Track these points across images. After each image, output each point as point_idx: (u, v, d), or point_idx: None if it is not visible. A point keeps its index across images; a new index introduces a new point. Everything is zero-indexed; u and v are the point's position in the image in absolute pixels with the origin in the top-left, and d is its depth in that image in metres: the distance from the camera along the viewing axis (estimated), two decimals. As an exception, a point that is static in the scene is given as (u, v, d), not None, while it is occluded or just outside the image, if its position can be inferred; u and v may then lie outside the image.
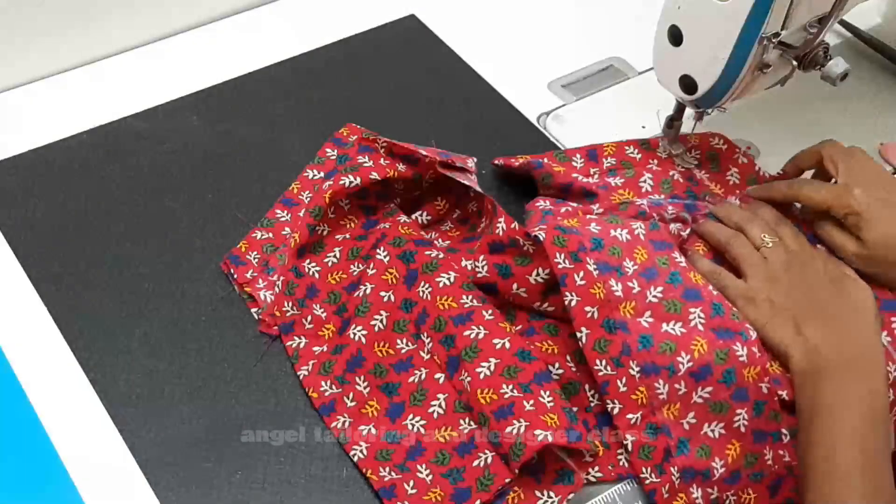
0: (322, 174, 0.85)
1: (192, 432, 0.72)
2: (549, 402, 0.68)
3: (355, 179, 0.78)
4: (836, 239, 0.78)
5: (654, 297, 0.72)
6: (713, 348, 0.71)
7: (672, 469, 0.69)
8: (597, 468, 0.70)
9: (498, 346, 0.70)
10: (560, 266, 0.72)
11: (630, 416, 0.69)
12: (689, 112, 0.86)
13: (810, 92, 0.89)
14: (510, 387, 0.68)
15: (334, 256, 0.79)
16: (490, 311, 0.72)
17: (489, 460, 0.68)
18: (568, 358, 0.73)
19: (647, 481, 0.69)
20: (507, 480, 0.67)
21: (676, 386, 0.70)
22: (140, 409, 0.72)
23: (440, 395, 0.71)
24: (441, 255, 0.76)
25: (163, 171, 0.88)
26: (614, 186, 0.84)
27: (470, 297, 0.73)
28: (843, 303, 0.74)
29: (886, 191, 0.76)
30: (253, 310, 0.77)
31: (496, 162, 0.88)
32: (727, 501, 0.70)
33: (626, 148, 0.87)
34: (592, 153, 0.87)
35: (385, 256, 0.77)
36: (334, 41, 1.01)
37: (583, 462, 0.69)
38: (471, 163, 0.82)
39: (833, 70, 0.79)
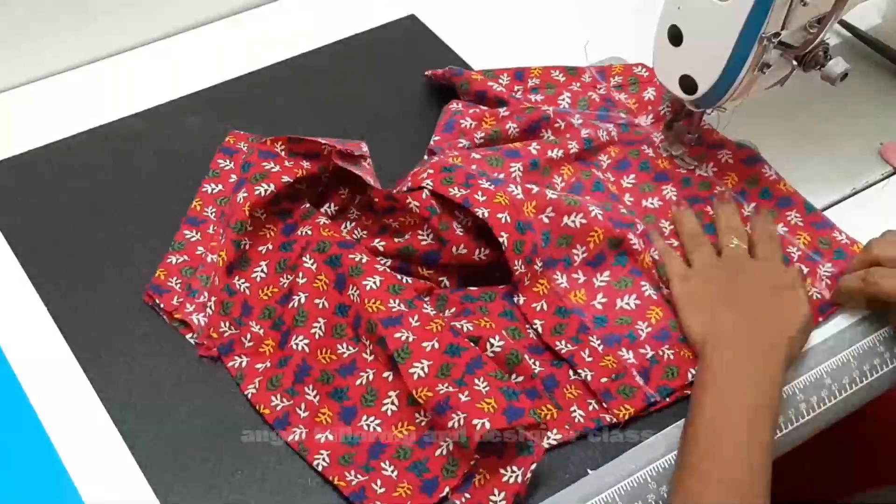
0: (220, 187, 0.84)
1: (192, 432, 0.72)
2: (484, 388, 0.68)
3: (269, 186, 0.78)
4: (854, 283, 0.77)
5: (603, 281, 0.77)
6: (668, 316, 0.76)
7: (591, 338, 0.74)
8: (555, 431, 0.71)
9: (428, 349, 0.70)
10: (458, 195, 0.76)
11: (535, 304, 0.76)
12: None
13: (810, 92, 0.89)
14: (445, 384, 0.69)
15: (262, 271, 0.78)
16: (416, 317, 0.72)
17: (451, 447, 0.69)
18: (505, 332, 0.74)
19: (564, 350, 0.74)
20: (472, 463, 0.68)
21: (642, 351, 0.74)
22: (140, 409, 0.72)
23: (391, 393, 0.72)
24: (365, 259, 0.75)
25: (162, 171, 0.88)
26: (534, 102, 0.91)
27: (397, 300, 0.73)
28: (772, 307, 0.74)
29: None
30: (188, 336, 0.76)
31: (427, 73, 0.94)
32: (665, 356, 0.74)
33: (553, 71, 0.94)
34: (519, 74, 0.94)
35: (312, 264, 0.76)
36: (334, 41, 1.01)
37: (540, 431, 0.70)
38: (364, 147, 0.82)
39: (833, 70, 0.79)
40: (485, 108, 0.89)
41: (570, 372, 0.74)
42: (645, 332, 0.75)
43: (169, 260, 0.80)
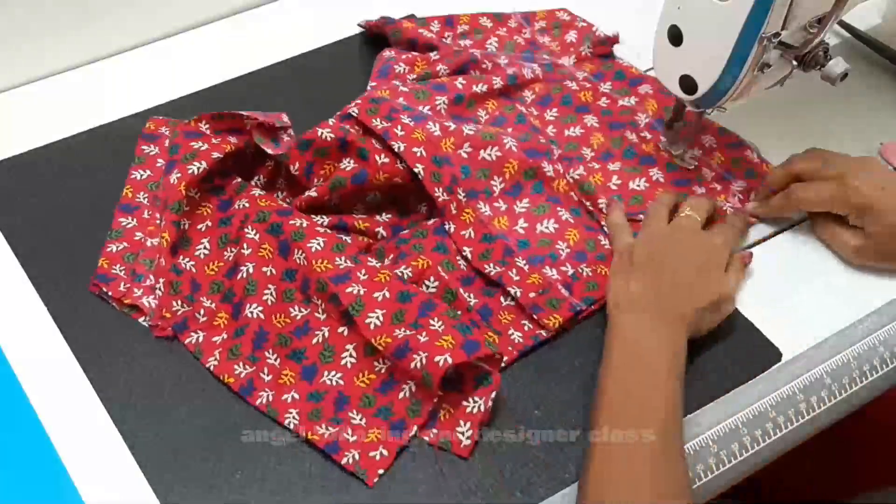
0: (149, 172, 0.85)
1: (192, 432, 0.72)
2: (439, 326, 0.71)
3: (201, 164, 0.80)
4: (838, 238, 0.80)
5: (523, 208, 0.83)
6: (584, 237, 0.82)
7: (517, 259, 0.79)
8: (499, 354, 0.74)
9: (380, 299, 0.73)
10: (379, 127, 0.81)
11: (464, 232, 0.81)
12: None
13: (810, 92, 0.89)
14: (401, 329, 0.71)
15: (204, 248, 0.80)
16: (363, 271, 0.75)
17: (413, 388, 0.72)
18: (439, 268, 0.78)
19: (493, 273, 0.78)
20: (435, 401, 0.71)
21: (563, 268, 0.79)
22: (140, 409, 0.73)
23: (348, 346, 0.74)
24: (305, 223, 0.78)
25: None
26: (463, 47, 0.96)
27: (343, 258, 0.76)
28: (690, 279, 0.75)
29: (882, 178, 0.78)
30: (140, 319, 0.77)
31: (360, 23, 0.99)
32: (584, 273, 0.79)
33: (481, 18, 1.00)
34: (449, 20, 1.00)
35: (255, 234, 0.78)
36: (335, 41, 1.01)
37: (495, 360, 0.73)
38: (285, 118, 0.85)
39: (833, 70, 0.79)
40: (417, 53, 0.94)
41: (501, 298, 0.78)
42: (565, 252, 0.81)
43: (109, 248, 0.80)
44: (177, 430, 0.72)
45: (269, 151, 0.82)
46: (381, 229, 0.82)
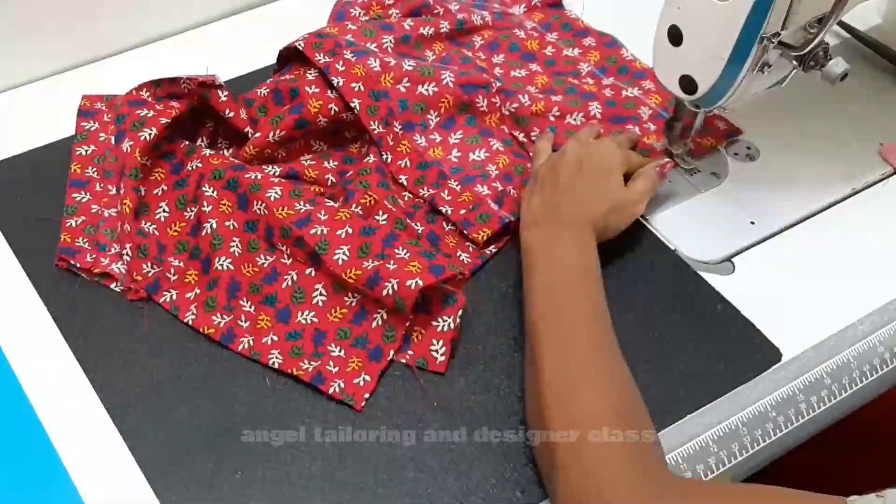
0: (94, 147, 0.87)
1: (192, 432, 0.72)
2: (405, 255, 0.76)
3: (151, 130, 0.82)
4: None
5: (456, 139, 0.88)
6: (513, 163, 0.87)
7: (449, 181, 0.84)
8: (465, 277, 0.79)
9: (343, 236, 0.77)
10: (321, 62, 0.85)
11: (400, 161, 0.85)
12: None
13: (810, 92, 0.89)
14: (369, 261, 0.75)
15: (164, 211, 0.82)
16: (323, 212, 0.78)
17: (385, 316, 0.76)
18: (386, 202, 0.82)
19: (426, 195, 0.84)
20: (407, 325, 0.75)
21: (494, 184, 0.85)
22: (140, 409, 0.73)
23: (318, 286, 0.77)
24: (259, 175, 0.81)
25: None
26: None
27: (302, 202, 0.79)
28: (586, 187, 0.79)
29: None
30: (112, 285, 0.79)
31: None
32: (511, 193, 0.84)
33: None
34: None
35: (212, 191, 0.81)
36: (334, 41, 1.00)
37: (458, 281, 0.78)
38: (218, 79, 0.86)
39: (833, 70, 0.79)
40: None
41: (444, 223, 0.83)
42: (494, 173, 0.86)
43: (68, 224, 0.82)
44: (177, 430, 0.72)
45: (223, 98, 0.84)
46: (329, 176, 0.86)
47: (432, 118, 0.88)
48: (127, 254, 0.79)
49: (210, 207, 0.80)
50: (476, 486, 0.69)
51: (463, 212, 0.82)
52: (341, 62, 0.85)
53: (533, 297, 0.73)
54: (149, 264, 0.79)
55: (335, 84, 0.85)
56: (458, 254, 0.81)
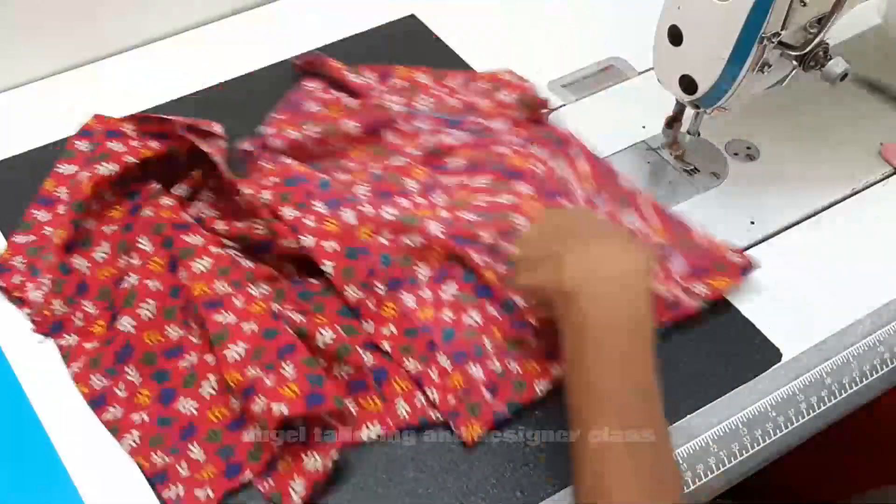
0: (76, 168, 0.83)
1: (192, 432, 0.72)
2: (290, 373, 0.69)
3: (112, 167, 0.79)
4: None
5: (450, 295, 0.77)
6: (508, 336, 0.74)
7: (439, 355, 0.73)
8: (376, 423, 0.71)
9: (246, 331, 0.71)
10: (289, 217, 0.77)
11: (384, 328, 0.75)
12: (689, 112, 0.86)
13: (810, 92, 0.89)
14: (255, 368, 0.69)
15: (103, 251, 0.78)
16: (241, 298, 0.73)
17: (259, 433, 0.69)
18: (338, 328, 0.74)
19: (413, 370, 0.73)
20: (276, 449, 0.68)
21: (489, 363, 0.73)
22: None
23: (211, 376, 0.72)
24: (199, 241, 0.76)
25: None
26: (391, 102, 0.88)
27: (224, 282, 0.74)
28: (609, 235, 0.70)
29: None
30: (24, 311, 0.76)
31: (294, 61, 0.94)
32: (513, 369, 0.73)
33: (417, 74, 0.93)
34: (385, 73, 0.93)
35: (148, 245, 0.77)
36: (334, 41, 1.01)
37: (345, 419, 0.69)
38: (217, 128, 0.82)
39: (833, 70, 0.79)
40: (339, 94, 0.90)
41: (407, 359, 0.74)
42: (490, 347, 0.74)
43: (15, 239, 0.80)
44: (177, 430, 0.72)
45: (206, 150, 0.79)
46: (290, 265, 0.78)
47: (423, 272, 0.78)
48: (46, 285, 0.75)
49: (139, 261, 0.76)
50: (476, 486, 0.69)
51: (452, 400, 0.71)
52: (312, 217, 0.77)
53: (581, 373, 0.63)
54: (59, 302, 0.75)
55: (305, 244, 0.76)
56: (397, 401, 0.72)
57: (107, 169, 0.78)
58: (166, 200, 0.79)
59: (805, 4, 0.74)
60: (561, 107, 0.95)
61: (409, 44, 1.01)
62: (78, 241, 0.78)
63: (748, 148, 0.91)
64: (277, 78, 0.96)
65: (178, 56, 0.99)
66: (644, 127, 0.92)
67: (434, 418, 0.71)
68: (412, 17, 1.03)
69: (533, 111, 0.90)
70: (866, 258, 0.84)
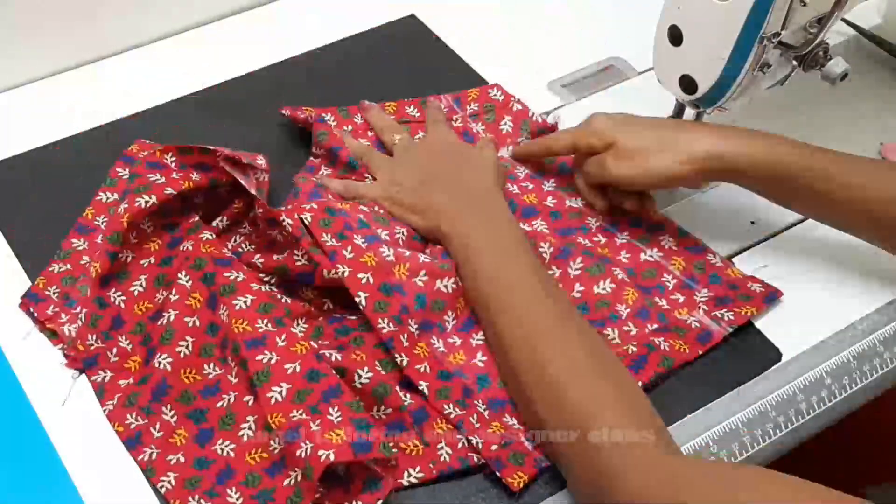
0: (115, 196, 0.81)
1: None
2: (336, 418, 0.67)
3: (150, 198, 0.76)
4: (584, 184, 0.84)
5: (479, 340, 0.75)
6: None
7: (476, 402, 0.71)
8: (417, 468, 0.69)
9: (289, 371, 0.69)
10: (328, 244, 0.75)
11: (418, 366, 0.72)
12: (689, 112, 0.86)
13: (810, 92, 0.89)
14: (299, 411, 0.67)
15: (140, 285, 0.76)
16: (283, 337, 0.71)
17: (299, 477, 0.67)
18: (376, 363, 0.72)
19: (452, 415, 0.70)
20: (317, 496, 0.65)
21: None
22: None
23: (249, 418, 0.70)
24: (240, 277, 0.74)
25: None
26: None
27: (265, 321, 0.71)
28: (463, 164, 0.83)
29: (627, 122, 0.81)
30: (57, 346, 0.74)
31: (283, 112, 0.90)
32: None
33: (407, 107, 0.92)
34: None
35: (187, 281, 0.75)
36: (334, 41, 1.01)
37: (390, 467, 0.68)
38: (260, 160, 0.80)
39: (833, 70, 0.79)
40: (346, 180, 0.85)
41: (447, 405, 0.71)
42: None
43: (51, 268, 0.78)
44: (177, 430, 0.72)
45: (243, 182, 0.77)
46: (329, 301, 0.77)
47: (449, 320, 0.76)
48: (81, 318, 0.74)
49: (177, 297, 0.74)
50: (476, 487, 0.69)
51: (494, 447, 0.69)
52: (350, 248, 0.75)
53: (479, 290, 0.74)
54: (94, 337, 0.73)
55: (341, 273, 0.73)
56: (439, 446, 0.70)
57: (145, 201, 0.76)
58: (206, 234, 0.78)
59: (805, 4, 0.74)
60: (561, 107, 0.95)
61: (409, 44, 1.01)
62: (114, 273, 0.76)
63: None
64: (277, 78, 0.97)
65: (178, 56, 0.99)
66: (644, 127, 0.92)
67: (476, 461, 0.69)
68: (412, 17, 1.03)
69: (535, 135, 0.90)
70: (866, 258, 0.83)
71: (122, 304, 0.76)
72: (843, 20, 1.00)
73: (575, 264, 0.78)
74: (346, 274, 0.74)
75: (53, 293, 0.77)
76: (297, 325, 0.74)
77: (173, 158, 0.80)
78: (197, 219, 0.80)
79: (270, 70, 0.97)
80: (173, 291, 0.75)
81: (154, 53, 1.00)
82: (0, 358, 0.75)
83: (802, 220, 0.86)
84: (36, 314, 0.76)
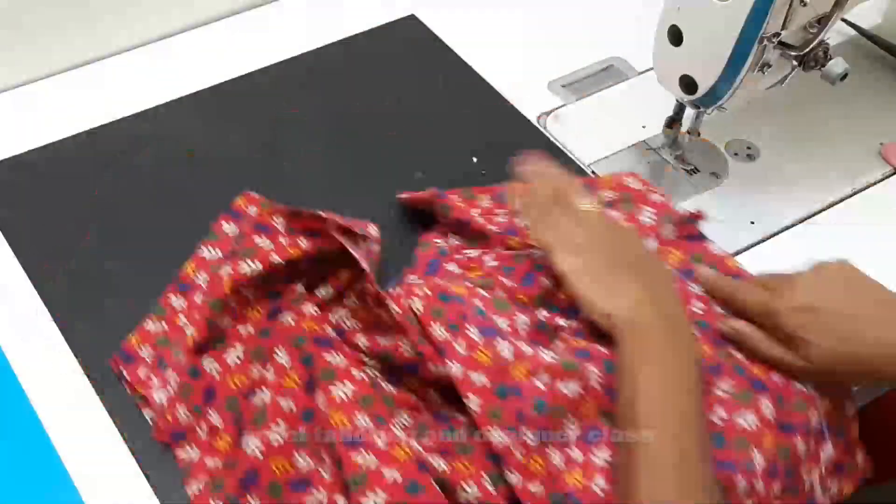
0: (219, 253, 0.76)
1: (192, 432, 0.71)
2: None
3: (255, 265, 0.72)
4: (775, 353, 0.70)
5: (603, 461, 0.67)
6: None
7: None
8: None
9: (388, 480, 0.64)
10: (439, 337, 0.68)
11: (532, 487, 0.65)
12: (689, 112, 0.86)
13: (810, 92, 0.89)
14: None
15: (237, 356, 0.71)
16: (383, 437, 0.66)
17: None
18: (484, 476, 0.66)
19: None
20: None
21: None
22: (140, 409, 0.72)
23: None
24: (342, 362, 0.69)
25: (162, 171, 0.88)
26: (521, 228, 0.78)
27: (365, 416, 0.66)
28: (651, 269, 0.71)
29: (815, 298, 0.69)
30: (145, 412, 0.71)
31: (401, 197, 0.84)
32: None
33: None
34: (502, 195, 0.82)
35: (285, 359, 0.70)
36: (334, 41, 1.01)
37: None
38: (372, 230, 0.76)
39: (833, 70, 0.79)
40: (470, 253, 0.79)
41: None
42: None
43: (146, 325, 0.74)
44: (177, 431, 0.72)
45: (356, 255, 0.71)
46: (435, 393, 0.70)
47: (573, 428, 0.67)
48: (172, 387, 0.69)
49: (274, 376, 0.69)
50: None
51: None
52: (464, 342, 0.68)
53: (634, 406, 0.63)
54: (184, 409, 0.69)
55: (453, 371, 0.67)
56: None
57: (250, 267, 0.72)
58: (309, 308, 0.73)
59: (805, 4, 0.74)
60: (561, 107, 0.95)
61: (409, 44, 1.01)
62: (211, 338, 0.71)
63: (748, 148, 0.91)
64: (277, 78, 0.97)
65: (177, 56, 0.99)
66: (644, 127, 0.92)
67: None
68: (412, 17, 1.03)
69: (683, 226, 0.79)
70: (866, 258, 0.83)
71: (217, 375, 0.71)
72: (843, 20, 1.00)
73: (723, 385, 0.70)
74: (457, 372, 0.67)
75: (147, 354, 0.72)
76: (400, 416, 0.68)
77: (281, 221, 0.75)
78: (301, 289, 0.74)
79: (270, 70, 0.97)
80: (270, 369, 0.70)
81: (154, 54, 1.00)
82: (0, 358, 0.75)
83: (802, 220, 0.86)
84: (127, 376, 0.72)
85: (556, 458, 0.66)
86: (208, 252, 0.76)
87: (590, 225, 0.73)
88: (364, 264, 0.71)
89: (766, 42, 0.75)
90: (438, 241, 0.81)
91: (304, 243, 0.74)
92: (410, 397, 0.70)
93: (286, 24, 1.03)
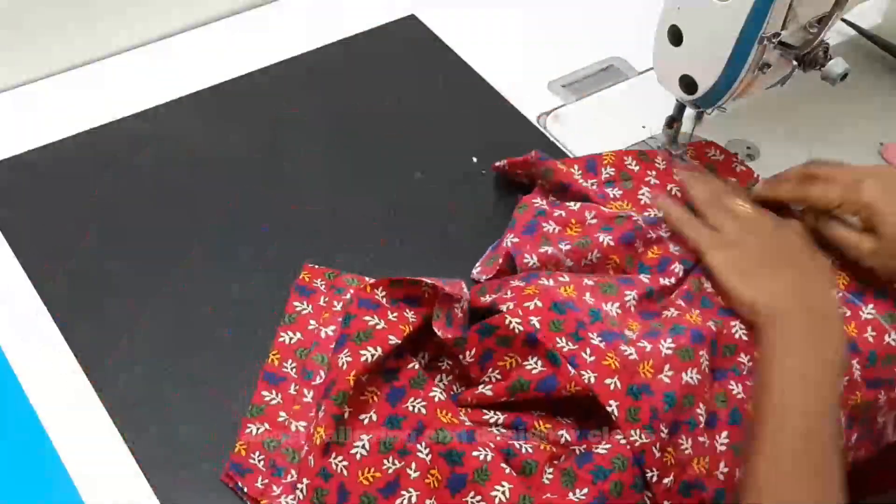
0: (300, 336, 0.74)
1: (192, 432, 0.71)
2: None
3: (376, 350, 0.69)
4: (849, 239, 0.75)
5: (723, 443, 0.69)
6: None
7: None
8: None
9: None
10: (566, 350, 0.68)
11: (666, 480, 0.66)
12: (689, 112, 0.86)
13: (810, 92, 0.89)
14: None
15: (363, 447, 0.67)
16: None
17: None
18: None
19: None
20: None
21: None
22: (140, 409, 0.72)
23: None
24: (490, 456, 0.66)
25: (162, 171, 0.88)
26: (612, 198, 0.83)
27: None
28: (806, 262, 0.75)
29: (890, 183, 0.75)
30: None
31: (497, 164, 0.86)
32: None
33: (625, 158, 0.85)
34: (591, 164, 0.85)
35: (426, 454, 0.67)
36: (334, 41, 1.01)
37: None
38: (464, 288, 0.73)
39: (833, 70, 0.79)
40: (570, 206, 0.81)
41: None
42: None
43: (248, 430, 0.70)
44: (177, 430, 0.72)
45: (440, 334, 0.70)
46: (564, 432, 0.69)
47: (701, 413, 0.69)
48: (302, 491, 0.65)
49: (417, 473, 0.65)
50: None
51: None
52: (589, 350, 0.68)
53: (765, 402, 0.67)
54: None
55: (587, 381, 0.67)
56: None
57: (370, 354, 0.68)
58: (437, 393, 0.70)
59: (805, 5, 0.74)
60: (561, 107, 0.95)
61: (409, 44, 1.01)
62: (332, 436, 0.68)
63: (748, 148, 0.91)
64: (277, 78, 0.97)
65: (177, 56, 0.99)
66: (644, 127, 0.92)
67: None
68: (412, 17, 1.03)
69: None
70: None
71: (345, 472, 0.66)
72: (843, 20, 1.00)
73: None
74: (592, 381, 0.67)
75: (258, 460, 0.68)
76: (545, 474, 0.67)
77: (383, 293, 0.73)
78: (417, 368, 0.72)
79: (270, 70, 0.97)
80: (412, 465, 0.66)
81: (154, 54, 1.00)
82: (0, 358, 0.75)
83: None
84: (245, 489, 0.67)
85: (686, 444, 0.68)
86: (288, 336, 0.75)
87: (742, 221, 0.77)
88: (446, 334, 0.70)
89: (766, 42, 0.75)
90: (536, 201, 0.83)
91: (411, 317, 0.72)
92: (546, 448, 0.69)
93: (286, 24, 1.03)
